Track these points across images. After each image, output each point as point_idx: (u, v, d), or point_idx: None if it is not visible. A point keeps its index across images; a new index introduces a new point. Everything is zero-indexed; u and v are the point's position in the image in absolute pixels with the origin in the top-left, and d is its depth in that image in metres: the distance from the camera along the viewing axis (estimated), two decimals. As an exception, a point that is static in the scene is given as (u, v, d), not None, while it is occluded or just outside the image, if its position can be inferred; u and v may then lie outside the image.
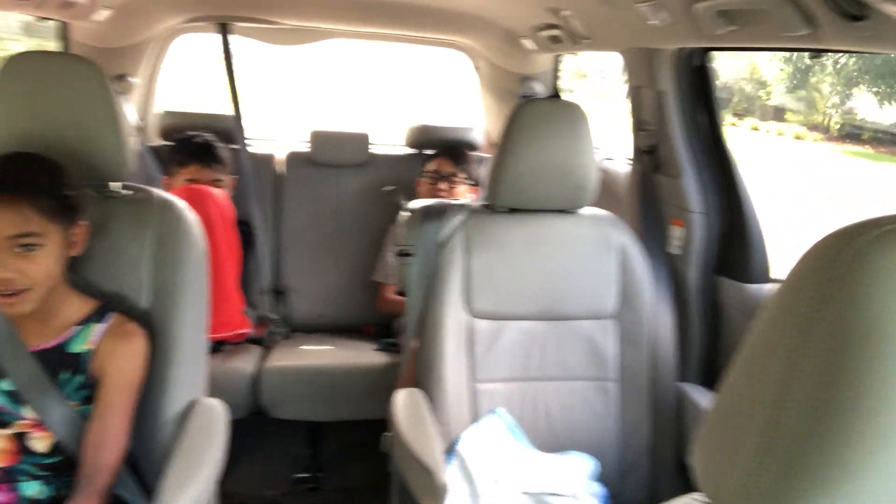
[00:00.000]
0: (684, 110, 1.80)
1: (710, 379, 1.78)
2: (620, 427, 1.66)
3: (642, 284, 1.69)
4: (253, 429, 2.48)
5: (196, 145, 2.34)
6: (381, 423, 1.63)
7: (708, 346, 1.82)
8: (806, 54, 1.43)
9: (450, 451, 1.54)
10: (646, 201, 1.91)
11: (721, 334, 1.81)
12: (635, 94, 1.94)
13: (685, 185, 1.81)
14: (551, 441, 1.63)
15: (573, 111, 1.65)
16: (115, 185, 1.41)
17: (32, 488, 1.23)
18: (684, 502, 0.65)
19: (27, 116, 1.31)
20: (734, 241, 1.77)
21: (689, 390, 1.68)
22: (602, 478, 1.59)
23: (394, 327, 2.53)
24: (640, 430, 1.65)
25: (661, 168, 1.90)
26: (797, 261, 0.54)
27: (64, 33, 2.18)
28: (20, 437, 1.23)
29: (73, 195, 1.22)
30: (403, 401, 1.54)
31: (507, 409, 1.61)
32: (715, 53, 1.77)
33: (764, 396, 0.52)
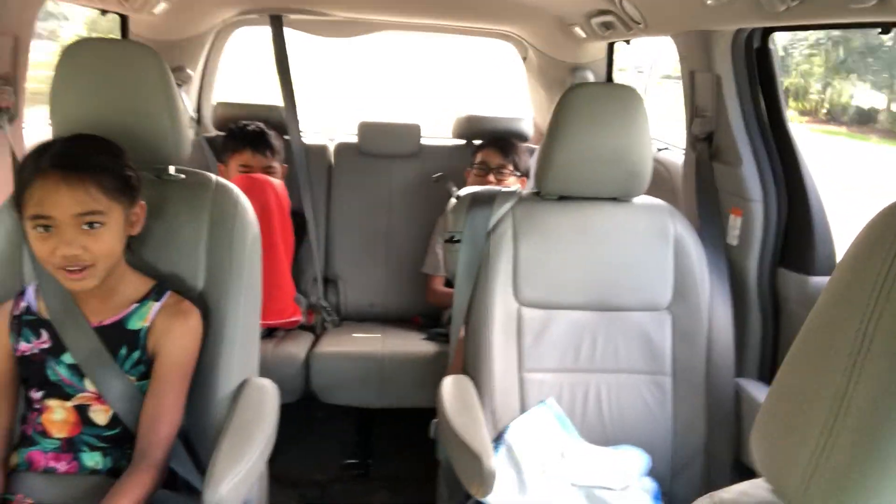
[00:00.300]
0: (743, 95, 1.74)
1: (769, 375, 1.72)
2: (674, 422, 1.61)
3: (699, 276, 1.64)
4: (304, 414, 2.53)
5: (249, 132, 2.40)
6: (430, 413, 1.63)
7: (768, 340, 1.75)
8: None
9: (497, 439, 1.53)
10: (702, 190, 1.85)
11: (782, 329, 1.74)
12: (690, 80, 1.88)
13: (744, 173, 1.74)
14: (602, 434, 1.59)
15: (627, 95, 1.61)
16: (172, 169, 1.44)
17: (92, 459, 1.27)
18: (744, 488, 0.63)
19: (88, 101, 1.35)
20: (797, 232, 1.69)
21: (747, 386, 1.61)
22: (654, 474, 1.55)
23: (443, 318, 2.53)
24: (694, 427, 1.60)
25: (719, 156, 1.84)
26: (861, 231, 0.51)
27: (124, 27, 2.25)
28: (81, 409, 1.28)
29: (133, 175, 1.26)
30: (451, 387, 1.54)
31: (557, 400, 1.59)
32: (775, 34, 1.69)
33: (831, 373, 0.50)
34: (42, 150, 1.19)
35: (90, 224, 1.18)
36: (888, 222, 0.48)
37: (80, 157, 1.19)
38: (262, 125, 2.45)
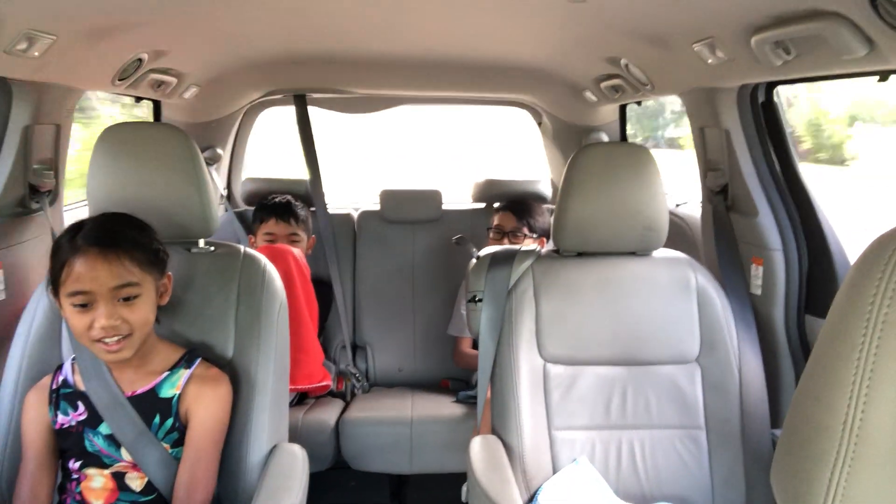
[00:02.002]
0: (753, 147, 1.77)
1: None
2: (712, 477, 1.57)
3: (725, 326, 1.63)
4: (336, 482, 2.50)
5: (274, 203, 2.49)
6: (464, 477, 1.61)
7: (801, 389, 1.72)
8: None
9: (530, 501, 1.51)
10: (722, 241, 1.86)
11: (814, 377, 1.71)
12: (700, 135, 1.93)
13: (761, 223, 1.76)
14: (639, 492, 1.56)
15: (637, 153, 1.65)
16: (201, 242, 1.50)
17: None
18: None
19: (123, 181, 1.44)
20: (821, 277, 1.69)
21: None
22: (694, 532, 1.51)
23: (472, 381, 2.53)
24: (733, 481, 1.56)
25: (735, 207, 1.86)
26: (855, 262, 0.53)
27: (157, 112, 2.38)
28: (118, 476, 1.30)
29: (161, 248, 1.33)
30: (480, 447, 1.53)
31: (589, 458, 1.57)
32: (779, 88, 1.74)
33: (837, 404, 0.51)
34: (75, 230, 1.26)
35: (126, 297, 1.23)
36: (879, 252, 0.50)
37: (114, 232, 1.26)
38: (289, 197, 2.54)
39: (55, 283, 1.25)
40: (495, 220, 2.60)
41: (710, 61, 1.50)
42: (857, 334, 0.49)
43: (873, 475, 0.50)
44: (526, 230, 2.55)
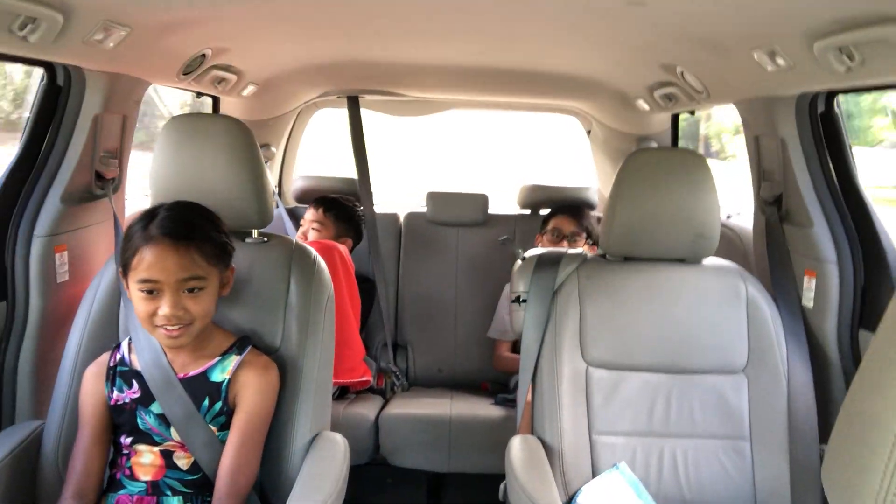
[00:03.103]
0: (810, 158, 1.73)
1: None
2: (755, 490, 1.54)
3: (775, 338, 1.60)
4: (374, 476, 2.52)
5: (325, 198, 2.57)
6: (500, 478, 1.61)
7: (852, 406, 1.67)
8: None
9: (569, 502, 1.50)
10: (774, 253, 1.83)
11: (866, 394, 1.66)
12: (755, 145, 1.90)
13: (816, 234, 1.71)
14: (679, 501, 1.54)
15: (691, 159, 1.64)
16: (255, 233, 1.55)
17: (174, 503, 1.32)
18: None
19: (184, 169, 1.49)
20: (877, 292, 1.64)
21: None
22: (736, 544, 1.48)
23: (510, 384, 2.52)
24: (779, 495, 1.53)
25: (789, 218, 1.82)
26: None
27: (215, 108, 2.46)
28: (167, 454, 1.34)
29: (228, 242, 1.36)
30: (520, 446, 1.53)
31: (630, 465, 1.55)
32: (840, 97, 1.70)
33: (892, 408, 0.50)
34: (148, 217, 1.30)
35: (191, 289, 1.27)
36: None
37: (184, 224, 1.29)
38: (336, 196, 2.61)
39: (125, 267, 1.29)
40: (552, 224, 2.59)
41: (769, 68, 1.47)
42: None
43: None
44: (584, 235, 2.54)
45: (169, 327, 1.27)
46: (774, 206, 1.86)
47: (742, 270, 1.68)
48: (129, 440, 1.35)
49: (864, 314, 1.67)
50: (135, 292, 1.28)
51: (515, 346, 2.56)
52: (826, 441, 1.57)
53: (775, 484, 1.53)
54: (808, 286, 1.75)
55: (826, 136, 1.72)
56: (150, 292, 1.26)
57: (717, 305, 1.62)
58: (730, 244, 2.24)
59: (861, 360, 1.64)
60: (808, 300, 1.75)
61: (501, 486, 1.60)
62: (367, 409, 2.30)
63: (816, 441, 1.55)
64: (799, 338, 1.65)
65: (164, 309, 1.25)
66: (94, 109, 1.65)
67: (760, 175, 1.91)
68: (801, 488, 1.52)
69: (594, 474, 1.54)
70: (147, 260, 1.25)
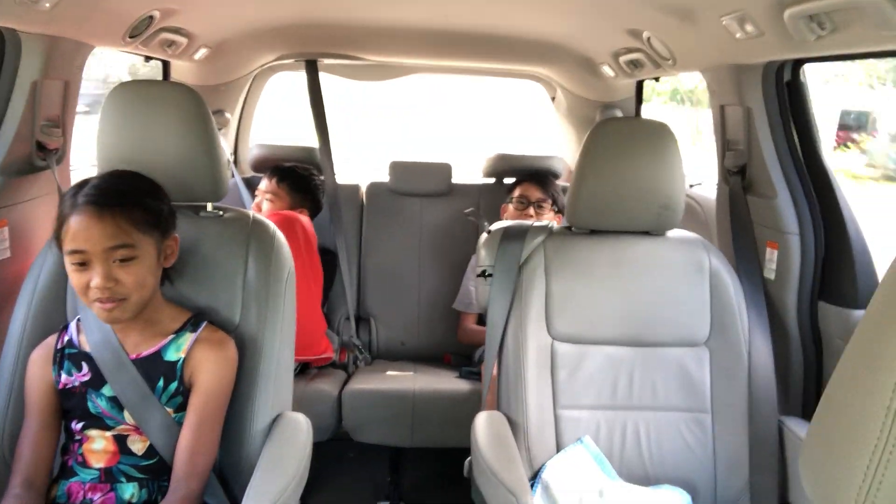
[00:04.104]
0: (775, 127, 1.73)
1: (814, 412, 1.66)
2: (716, 462, 1.56)
3: (737, 310, 1.61)
4: (336, 453, 2.51)
5: (280, 167, 2.49)
6: (463, 452, 1.60)
7: (811, 377, 1.70)
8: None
9: (534, 478, 1.50)
10: (737, 224, 1.83)
11: (825, 364, 1.69)
12: (720, 114, 1.88)
13: (779, 206, 1.72)
14: (641, 474, 1.55)
15: (657, 129, 1.62)
16: (210, 206, 1.48)
17: (129, 491, 1.27)
18: None
19: (131, 139, 1.41)
20: (837, 264, 1.66)
21: (791, 424, 1.56)
22: (696, 514, 1.50)
23: (474, 357, 2.52)
24: (737, 466, 1.55)
25: (753, 189, 1.82)
26: None
27: (165, 73, 2.34)
28: (120, 439, 1.29)
29: (165, 208, 1.30)
30: (485, 423, 1.52)
31: (594, 438, 1.56)
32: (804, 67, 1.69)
33: (880, 389, 0.49)
34: (78, 187, 1.24)
35: (123, 259, 1.21)
36: None
37: (111, 192, 1.23)
38: (296, 165, 2.52)
39: (58, 239, 1.24)
40: (518, 192, 2.57)
41: (738, 36, 1.45)
42: None
43: None
44: (550, 202, 2.52)
45: (103, 300, 1.21)
46: (738, 175, 1.85)
47: (705, 242, 1.68)
48: (79, 425, 1.29)
49: (823, 286, 1.69)
50: (67, 265, 1.23)
51: (481, 319, 2.54)
52: (784, 412, 1.61)
53: (734, 455, 1.55)
54: (770, 257, 1.76)
55: (792, 105, 1.72)
56: (81, 264, 1.21)
57: (681, 278, 1.62)
58: (691, 214, 2.25)
59: (819, 332, 1.67)
60: (770, 272, 1.76)
61: (466, 462, 1.59)
62: (329, 386, 2.26)
63: (776, 412, 1.57)
64: (760, 310, 1.66)
65: (95, 280, 1.19)
66: (32, 75, 1.55)
67: (725, 145, 1.90)
68: (758, 459, 1.55)
69: (558, 449, 1.54)
70: (73, 229, 1.20)
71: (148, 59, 2.19)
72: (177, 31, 1.96)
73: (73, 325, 1.34)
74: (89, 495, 1.26)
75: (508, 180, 2.75)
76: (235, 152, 2.96)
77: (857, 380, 0.52)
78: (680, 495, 1.49)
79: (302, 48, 2.58)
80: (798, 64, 1.68)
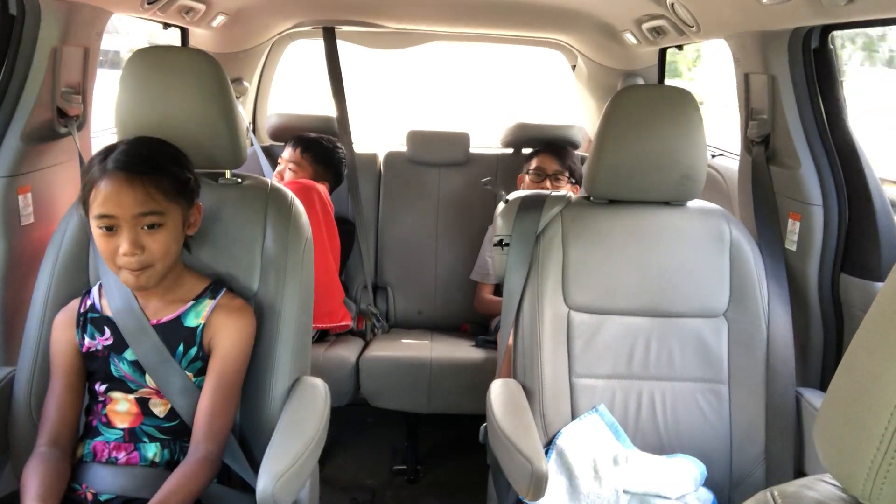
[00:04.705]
0: (800, 96, 1.69)
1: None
2: (732, 432, 1.56)
3: (756, 282, 1.59)
4: (355, 418, 2.56)
5: (304, 137, 2.48)
6: (479, 419, 1.62)
7: (830, 349, 1.69)
8: None
9: (548, 444, 1.51)
10: (759, 194, 1.80)
11: (845, 336, 1.68)
12: (745, 82, 1.84)
13: (803, 176, 1.69)
14: (657, 443, 1.56)
15: (680, 97, 1.59)
16: (228, 174, 1.48)
17: (151, 451, 1.31)
18: (807, 482, 0.61)
19: (150, 106, 1.41)
20: (860, 236, 1.63)
21: (808, 396, 1.55)
22: (711, 484, 1.51)
23: (490, 327, 2.53)
24: (754, 437, 1.55)
25: (776, 159, 1.79)
26: None
27: (184, 40, 2.34)
28: (142, 402, 1.32)
29: (191, 177, 1.30)
30: (500, 390, 1.53)
31: (609, 407, 1.56)
32: (836, 33, 1.64)
33: (894, 364, 0.48)
34: (107, 152, 1.25)
35: (150, 225, 1.22)
36: None
37: (141, 159, 1.24)
38: (316, 135, 2.52)
39: (85, 204, 1.25)
40: (534, 163, 2.54)
41: (765, 1, 1.41)
42: None
43: None
44: (567, 174, 2.49)
45: (132, 267, 1.22)
46: (762, 146, 1.82)
47: (726, 213, 1.66)
48: (103, 387, 1.32)
49: (846, 258, 1.66)
50: (94, 230, 1.24)
51: (498, 289, 2.55)
52: (803, 384, 1.60)
53: (751, 426, 1.55)
54: (792, 229, 1.74)
55: (818, 73, 1.67)
56: (108, 229, 1.22)
57: (701, 249, 1.60)
58: (713, 184, 2.22)
59: (840, 304, 1.65)
60: (791, 243, 1.74)
61: (482, 429, 1.60)
62: (347, 352, 2.29)
63: (793, 384, 1.56)
64: (780, 281, 1.64)
65: (123, 246, 1.21)
66: (52, 42, 1.55)
67: (749, 114, 1.86)
68: (775, 430, 1.54)
69: (573, 417, 1.55)
70: (103, 194, 1.21)
71: (166, 26, 2.18)
72: (194, -4, 1.95)
73: (95, 290, 1.37)
74: (114, 454, 1.30)
75: (527, 150, 2.73)
76: (254, 121, 2.96)
77: (876, 348, 0.52)
78: (695, 464, 1.50)
79: (320, 15, 2.56)
80: (826, 30, 1.63)
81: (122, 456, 1.30)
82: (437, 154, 2.74)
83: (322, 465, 1.41)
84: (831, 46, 1.65)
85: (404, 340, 2.48)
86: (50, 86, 1.59)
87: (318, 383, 1.43)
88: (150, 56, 1.44)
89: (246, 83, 2.75)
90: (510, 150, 2.83)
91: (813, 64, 1.67)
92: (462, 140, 2.76)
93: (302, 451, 1.21)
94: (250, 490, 1.30)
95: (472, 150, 2.77)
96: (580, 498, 1.43)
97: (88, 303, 1.35)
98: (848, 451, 0.53)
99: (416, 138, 2.74)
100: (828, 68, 1.66)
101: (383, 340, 2.47)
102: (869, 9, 1.22)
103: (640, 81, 2.75)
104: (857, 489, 0.53)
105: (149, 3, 1.77)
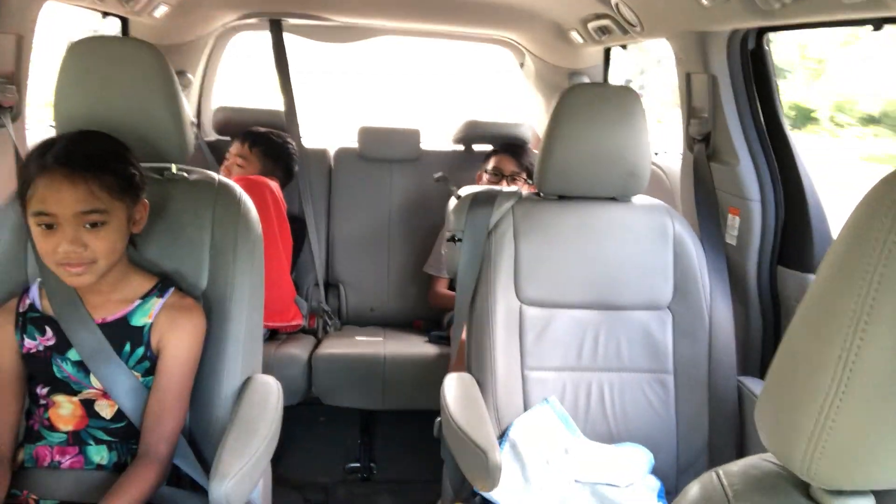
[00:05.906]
0: (739, 95, 1.76)
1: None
2: (677, 420, 1.61)
3: (699, 275, 1.65)
4: (307, 416, 2.53)
5: (252, 131, 2.44)
6: (433, 415, 1.63)
7: (769, 339, 1.76)
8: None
9: (501, 436, 1.53)
10: (700, 190, 1.87)
11: (783, 327, 1.75)
12: (686, 82, 1.91)
13: (742, 173, 1.76)
14: (605, 432, 1.60)
15: (625, 95, 1.63)
16: (174, 168, 1.45)
17: (98, 453, 1.27)
18: (751, 461, 0.64)
19: (92, 98, 1.36)
20: (795, 230, 1.71)
21: (749, 384, 1.62)
22: (658, 472, 1.55)
23: (443, 322, 2.54)
24: (698, 425, 1.61)
25: (716, 156, 1.86)
26: (860, 200, 0.53)
27: (124, 30, 2.26)
28: (87, 403, 1.27)
29: (136, 174, 1.26)
30: (454, 384, 1.54)
31: (559, 399, 1.59)
32: (771, 36, 1.72)
33: (833, 340, 0.51)
34: (46, 146, 1.19)
35: (93, 223, 1.18)
36: (887, 189, 0.49)
37: (83, 155, 1.18)
38: (264, 129, 2.48)
39: (22, 199, 1.19)
40: (492, 163, 2.55)
41: (704, 2, 1.46)
42: (860, 272, 0.49)
43: (861, 407, 0.51)
44: (525, 175, 2.51)
45: (71, 264, 1.17)
46: (703, 143, 1.88)
47: (670, 209, 1.72)
48: (45, 390, 1.27)
49: (783, 251, 1.74)
50: (33, 227, 1.18)
51: (452, 284, 2.56)
52: (743, 373, 1.66)
53: (695, 415, 1.61)
54: (732, 223, 1.81)
55: (755, 73, 1.74)
56: (48, 227, 1.16)
57: (646, 243, 1.65)
58: (656, 181, 2.28)
59: (778, 296, 1.72)
60: (731, 238, 1.81)
61: (436, 423, 1.61)
62: (299, 350, 2.26)
63: (735, 373, 1.63)
64: (721, 274, 1.71)
65: (64, 245, 1.15)
66: None
67: (690, 112, 1.93)
68: (717, 418, 1.61)
69: (525, 409, 1.58)
70: (41, 191, 1.15)
71: (105, 14, 2.11)
72: (136, -15, 1.90)
73: (34, 288, 1.31)
74: (57, 458, 1.25)
75: (480, 147, 2.75)
76: (199, 115, 2.89)
77: (810, 333, 0.55)
78: (643, 453, 1.54)
79: (266, 7, 2.52)
80: (762, 33, 1.70)
81: (65, 460, 1.25)
82: (388, 150, 2.74)
83: (275, 464, 1.39)
84: (766, 48, 1.73)
85: (357, 337, 2.47)
86: None
87: (271, 381, 1.41)
88: (90, 46, 1.39)
89: (190, 76, 2.68)
90: (461, 147, 2.85)
91: (750, 64, 1.74)
92: (413, 136, 2.76)
93: (254, 451, 1.20)
94: (201, 490, 1.27)
95: (423, 147, 2.78)
96: (532, 489, 1.46)
97: (28, 302, 1.30)
98: (786, 430, 0.56)
99: (367, 134, 2.73)
100: (764, 69, 1.73)
101: (335, 338, 2.45)
102: (801, 12, 1.27)
103: (586, 80, 2.80)
104: (795, 466, 0.56)
105: (87, -8, 1.71)
